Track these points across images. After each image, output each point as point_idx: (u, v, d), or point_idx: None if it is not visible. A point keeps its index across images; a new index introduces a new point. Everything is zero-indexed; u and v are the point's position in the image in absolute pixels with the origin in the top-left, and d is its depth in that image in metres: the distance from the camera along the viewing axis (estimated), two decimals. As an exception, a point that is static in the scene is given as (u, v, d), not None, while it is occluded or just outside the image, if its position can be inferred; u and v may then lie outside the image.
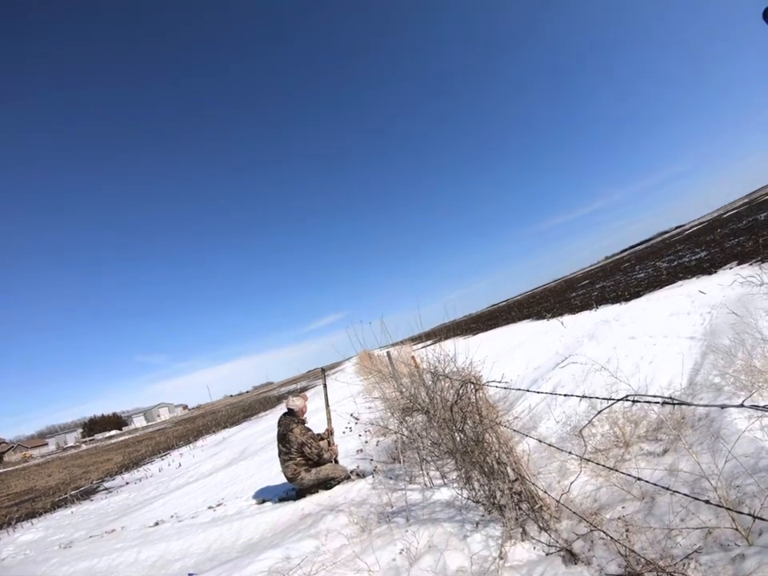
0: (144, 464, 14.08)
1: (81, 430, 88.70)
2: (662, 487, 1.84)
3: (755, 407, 1.41)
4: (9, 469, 37.57)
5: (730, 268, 9.81)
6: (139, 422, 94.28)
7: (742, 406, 1.38)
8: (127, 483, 10.66)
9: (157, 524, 5.55)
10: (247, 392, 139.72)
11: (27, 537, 6.85)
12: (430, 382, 3.96)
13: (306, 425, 4.96)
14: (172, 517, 5.71)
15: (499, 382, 2.61)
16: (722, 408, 1.32)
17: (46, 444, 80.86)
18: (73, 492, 11.25)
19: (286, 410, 5.01)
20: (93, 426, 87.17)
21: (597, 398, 1.92)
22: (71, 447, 59.77)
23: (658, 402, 1.57)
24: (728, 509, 1.66)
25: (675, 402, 1.54)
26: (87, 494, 10.37)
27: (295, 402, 4.97)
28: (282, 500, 5.09)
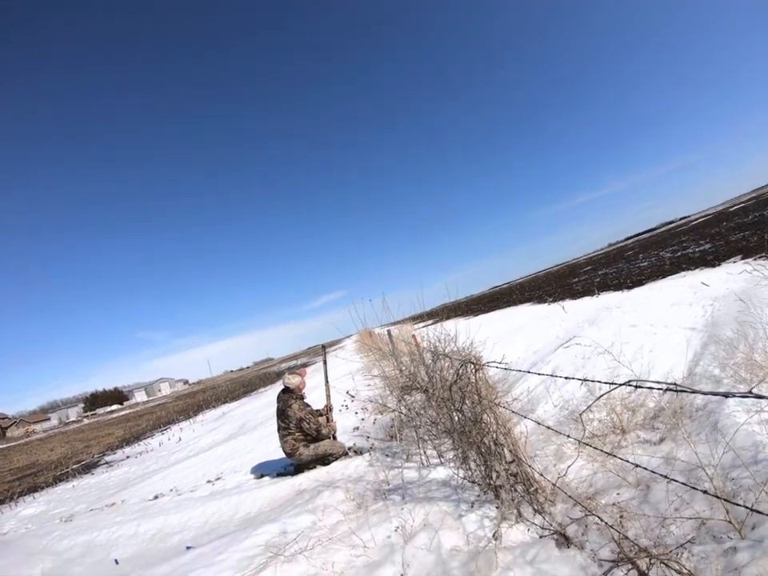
0: (145, 438, 14.29)
1: (82, 405, 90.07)
2: (660, 474, 1.81)
3: (761, 396, 1.35)
4: (11, 444, 38.28)
5: (734, 262, 9.73)
6: (140, 396, 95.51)
7: (749, 394, 1.32)
8: (128, 457, 10.82)
9: (156, 497, 5.62)
10: (248, 368, 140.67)
11: (29, 511, 6.96)
12: (430, 361, 3.93)
13: (304, 400, 4.98)
14: (171, 490, 5.79)
15: (499, 363, 2.56)
16: (726, 397, 1.25)
17: (48, 419, 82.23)
18: (74, 466, 11.46)
19: (284, 387, 5.02)
20: (94, 401, 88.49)
21: (599, 381, 1.87)
22: (73, 422, 60.72)
23: (661, 389, 1.50)
24: (724, 500, 1.63)
25: (679, 388, 1.48)
26: (88, 468, 10.55)
27: (291, 380, 4.96)
28: (280, 475, 5.13)
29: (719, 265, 10.01)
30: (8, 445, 37.42)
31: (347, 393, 6.70)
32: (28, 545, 4.69)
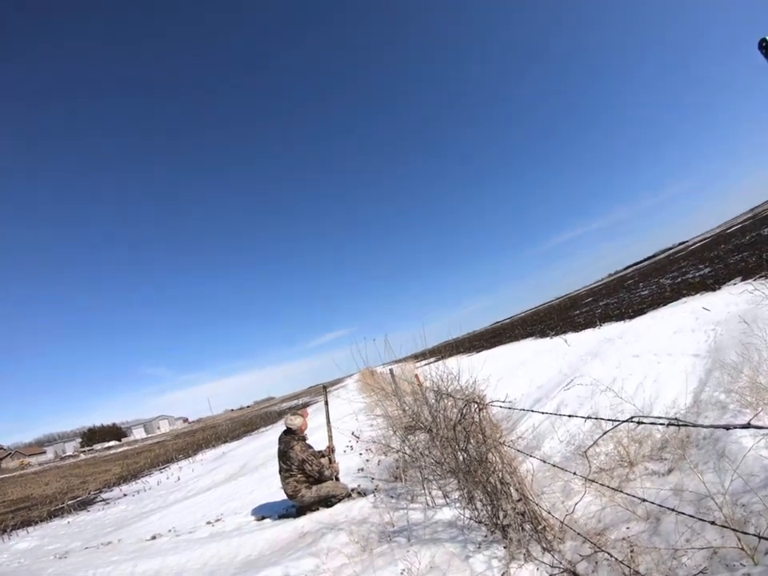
0: (142, 476, 13.96)
1: (80, 440, 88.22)
2: (667, 508, 1.83)
3: (759, 427, 1.41)
4: (6, 476, 37.30)
5: (734, 284, 9.76)
6: (139, 433, 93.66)
7: (747, 426, 1.38)
8: (125, 495, 10.56)
9: (154, 538, 5.49)
10: (248, 406, 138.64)
11: (22, 545, 6.79)
12: (433, 401, 3.95)
13: (306, 441, 4.94)
14: (170, 531, 5.65)
15: (503, 402, 2.61)
16: (727, 429, 1.32)
17: (44, 452, 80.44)
18: (70, 502, 11.18)
19: (286, 429, 4.98)
20: (92, 436, 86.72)
21: (601, 418, 1.93)
22: (69, 456, 59.31)
23: (663, 424, 1.58)
24: (733, 529, 1.65)
25: (680, 423, 1.55)
26: (84, 505, 10.29)
27: (293, 421, 4.93)
28: (281, 517, 5.03)
29: (719, 288, 10.03)
30: (2, 476, 36.46)
31: (352, 434, 6.63)
32: (22, 581, 4.59)
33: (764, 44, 1.21)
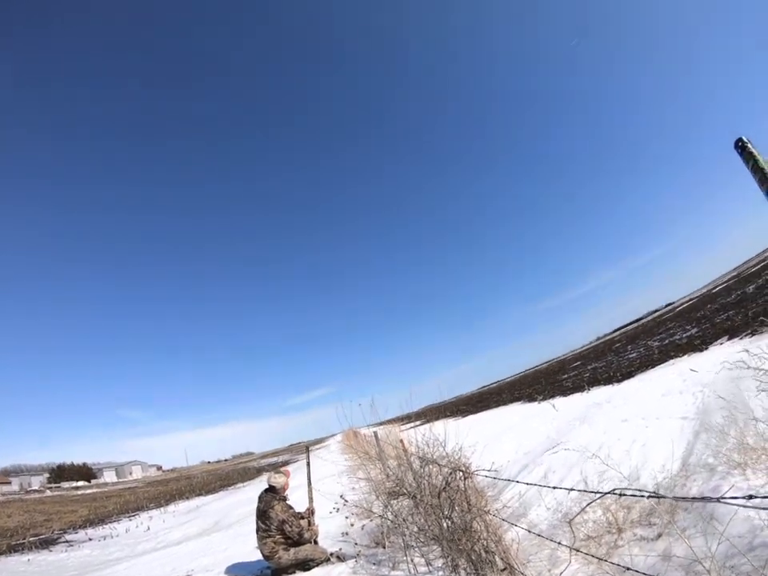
0: (110, 522, 13.30)
1: (47, 475, 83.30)
2: (651, 576, 1.92)
3: (735, 498, 1.58)
4: (-35, 503, 35.01)
5: (721, 343, 9.80)
6: (110, 476, 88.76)
7: (720, 499, 1.53)
8: (90, 539, 10.06)
9: (119, 587, 5.30)
10: (226, 460, 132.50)
11: (-23, 579, 6.49)
12: (418, 467, 4.01)
13: (287, 502, 4.87)
14: (137, 582, 5.46)
15: (489, 471, 2.77)
16: (708, 501, 1.52)
17: (9, 483, 75.74)
18: (32, 538, 10.65)
19: (268, 487, 4.90)
20: (60, 473, 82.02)
21: (585, 490, 2.10)
22: (35, 491, 55.73)
23: (643, 496, 1.74)
24: None
25: (659, 495, 1.73)
26: (47, 544, 9.81)
27: (277, 479, 4.88)
28: (255, 577, 4.89)
29: (707, 348, 10.05)
30: (-39, 503, 34.16)
31: (340, 497, 6.52)
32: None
33: (740, 144, 1.20)
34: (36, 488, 64.68)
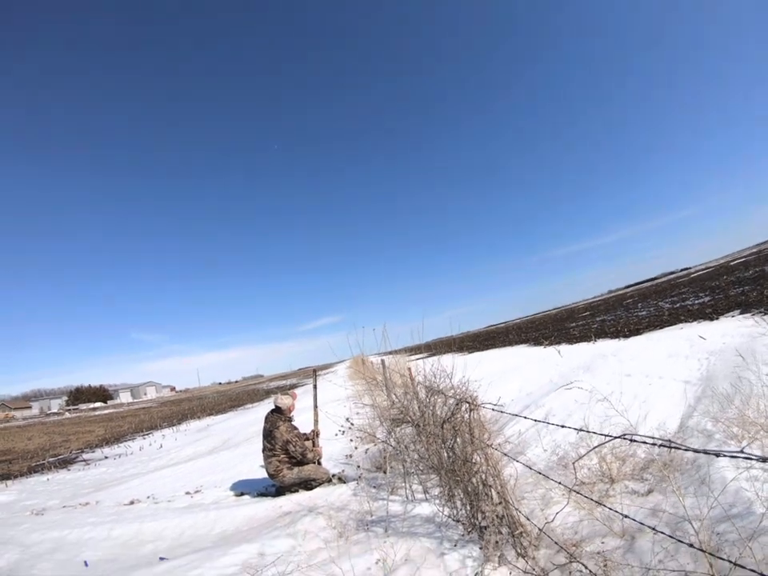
0: (125, 440, 14.04)
1: (65, 398, 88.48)
2: (647, 526, 1.83)
3: (750, 457, 1.40)
4: (-11, 426, 37.48)
5: (732, 316, 9.79)
6: (125, 397, 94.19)
7: (740, 454, 1.37)
8: (106, 458, 10.62)
9: (132, 503, 5.53)
10: (236, 382, 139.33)
11: (0, 498, 6.82)
12: (424, 396, 3.95)
13: (292, 423, 4.97)
14: (148, 497, 5.69)
15: (495, 405, 2.61)
16: (717, 456, 1.31)
17: (30, 407, 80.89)
18: (51, 459, 11.23)
19: (274, 407, 5.02)
20: (78, 396, 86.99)
21: (594, 432, 1.93)
22: (54, 414, 59.61)
23: (655, 444, 1.56)
24: (710, 553, 1.66)
25: (673, 445, 1.54)
26: (65, 463, 10.34)
27: (283, 401, 4.99)
28: (260, 495, 5.08)
29: (717, 318, 10.08)
30: (-14, 427, 36.64)
31: (347, 419, 6.66)
32: (-5, 533, 4.60)
33: None
34: (55, 411, 69.03)
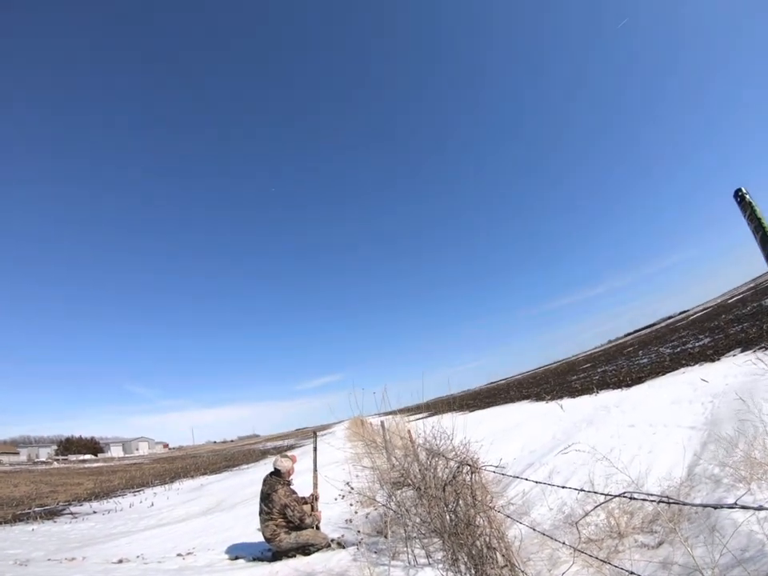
0: (115, 496, 13.54)
1: (55, 447, 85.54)
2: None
3: (744, 507, 1.49)
4: (-26, 471, 36.12)
5: (734, 355, 9.67)
6: (116, 451, 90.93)
7: (734, 506, 1.46)
8: (95, 512, 10.25)
9: (120, 561, 5.33)
10: (232, 441, 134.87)
11: (-18, 545, 6.60)
12: (425, 458, 3.97)
13: (291, 486, 4.89)
14: (138, 557, 5.49)
15: (496, 467, 2.68)
16: (715, 508, 1.42)
17: (18, 453, 77.95)
18: (37, 509, 10.86)
19: (273, 470, 4.93)
20: (68, 446, 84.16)
21: (594, 492, 2.01)
22: (42, 462, 57.37)
23: (653, 501, 1.66)
24: None
25: (671, 501, 1.64)
26: (51, 515, 9.99)
27: (283, 464, 4.90)
28: (256, 559, 4.89)
29: (719, 359, 9.94)
30: (-30, 472, 35.27)
31: (346, 483, 6.52)
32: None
33: (740, 194, 1.25)
34: (43, 459, 66.49)
